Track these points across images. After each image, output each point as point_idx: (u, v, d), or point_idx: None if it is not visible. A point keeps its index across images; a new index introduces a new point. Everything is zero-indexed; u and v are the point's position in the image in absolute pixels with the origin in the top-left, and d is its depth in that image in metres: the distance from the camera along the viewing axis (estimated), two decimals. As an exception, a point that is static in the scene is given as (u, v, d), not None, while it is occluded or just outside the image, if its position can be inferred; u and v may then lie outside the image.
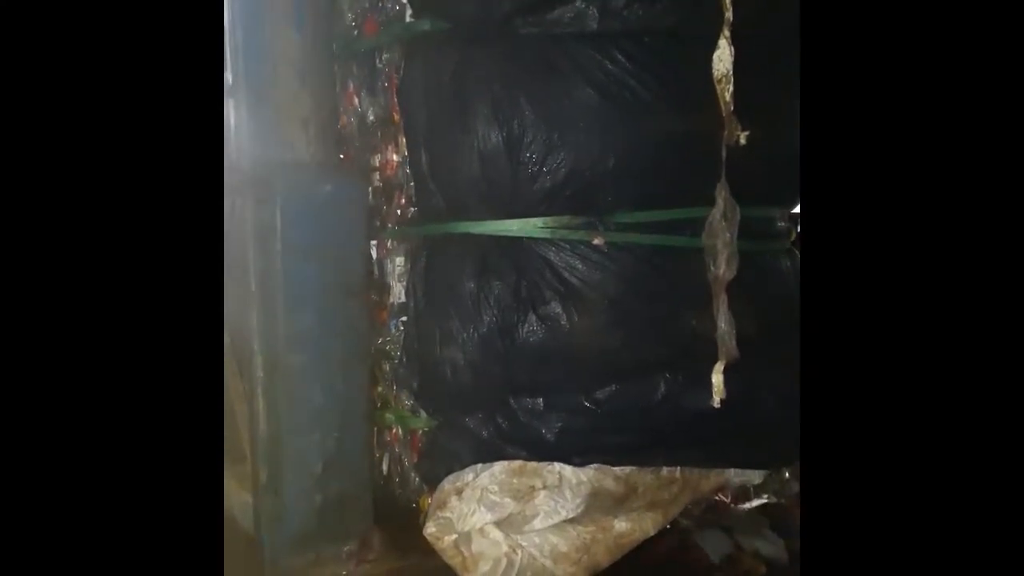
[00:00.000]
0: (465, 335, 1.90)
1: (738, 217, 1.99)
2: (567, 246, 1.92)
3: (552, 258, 1.91)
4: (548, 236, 1.91)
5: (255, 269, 1.78)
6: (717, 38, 1.92)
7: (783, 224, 2.35)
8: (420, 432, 2.08)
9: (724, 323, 1.99)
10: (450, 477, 1.84)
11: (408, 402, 2.09)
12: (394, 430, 2.16)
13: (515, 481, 1.76)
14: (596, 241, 1.93)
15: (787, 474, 2.19)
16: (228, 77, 1.87)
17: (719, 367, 1.97)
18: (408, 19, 2.03)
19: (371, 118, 2.19)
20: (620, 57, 1.89)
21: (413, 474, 2.13)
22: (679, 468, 1.91)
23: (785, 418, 2.03)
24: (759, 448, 2.00)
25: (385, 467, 2.22)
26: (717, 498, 2.15)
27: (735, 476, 2.01)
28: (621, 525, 1.83)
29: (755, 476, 2.05)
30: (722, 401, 1.96)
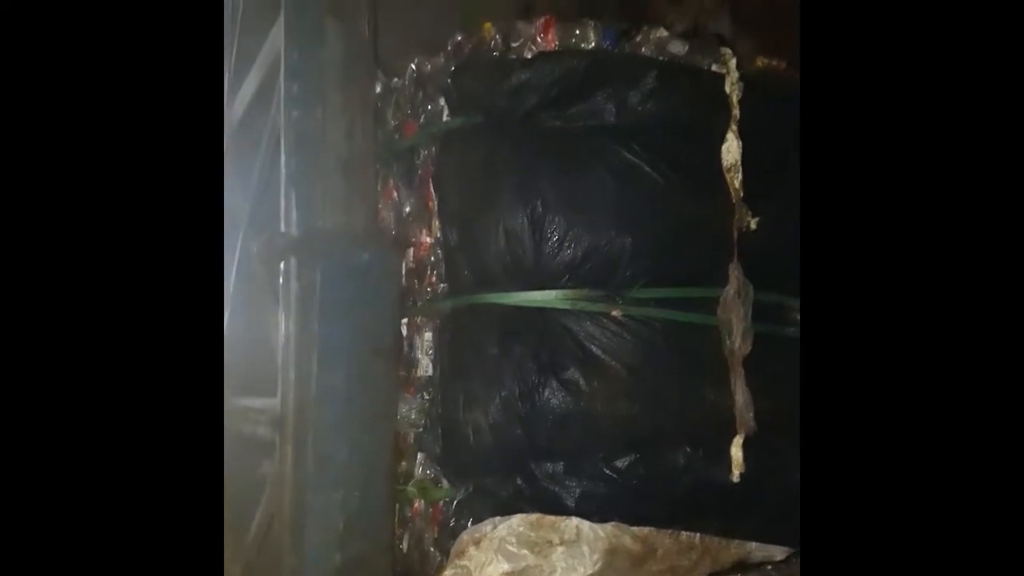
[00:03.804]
0: (487, 398, 1.97)
1: (752, 296, 2.09)
2: (587, 317, 2.01)
3: (572, 327, 2.01)
4: (568, 307, 2.02)
5: (294, 327, 1.90)
6: (726, 132, 2.12)
7: (799, 314, 2.42)
8: (441, 504, 2.10)
9: (741, 397, 2.04)
10: (469, 528, 1.86)
11: (430, 472, 2.13)
12: (416, 504, 2.19)
13: (533, 534, 1.77)
14: (614, 313, 2.03)
15: (813, 559, 2.13)
16: (283, 161, 2.08)
17: (738, 441, 2.00)
18: (445, 117, 2.27)
19: (408, 209, 2.39)
20: (636, 147, 2.06)
21: (433, 549, 2.13)
22: (699, 534, 1.90)
23: (806, 495, 2.02)
24: (780, 523, 1.98)
25: (405, 545, 2.22)
26: (737, 581, 2.10)
27: (757, 550, 1.98)
28: (640, 593, 1.80)
29: (777, 552, 2.01)
30: (741, 475, 1.98)
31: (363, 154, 2.19)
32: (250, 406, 2.21)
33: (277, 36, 2.12)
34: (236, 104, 2.65)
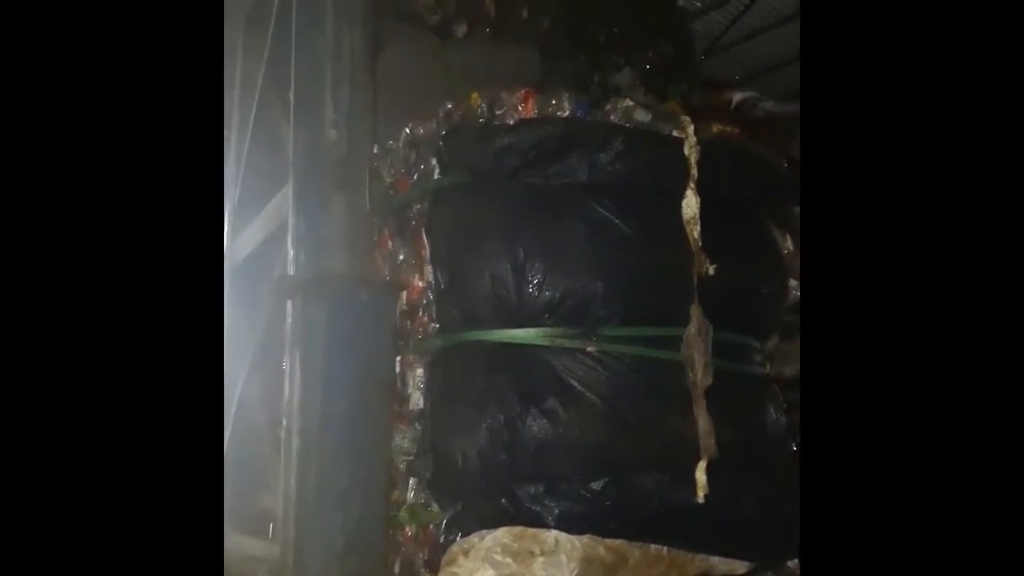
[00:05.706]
0: (474, 427, 2.17)
1: (711, 334, 2.32)
2: (564, 352, 2.24)
3: (551, 361, 2.23)
4: (548, 343, 2.24)
5: (300, 359, 2.10)
6: (685, 189, 2.38)
7: (760, 355, 2.66)
8: (431, 525, 2.28)
9: (704, 425, 2.25)
10: (459, 541, 2.04)
11: (421, 497, 2.31)
12: (406, 529, 2.35)
13: (516, 545, 1.95)
14: (589, 348, 2.25)
15: (771, 576, 2.33)
16: (290, 219, 2.30)
17: (702, 465, 2.21)
18: (436, 175, 2.52)
19: (401, 257, 2.62)
20: (606, 202, 2.32)
21: (424, 570, 2.29)
22: (666, 548, 2.09)
23: (764, 514, 2.24)
24: (740, 540, 2.19)
25: (397, 568, 2.37)
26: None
27: (720, 563, 2.16)
28: (612, 602, 1.98)
29: (739, 566, 2.20)
30: (705, 496, 2.18)
31: (359, 210, 2.42)
32: (250, 554, 2.31)
33: (284, 204, 2.28)
34: (239, 243, 2.81)
